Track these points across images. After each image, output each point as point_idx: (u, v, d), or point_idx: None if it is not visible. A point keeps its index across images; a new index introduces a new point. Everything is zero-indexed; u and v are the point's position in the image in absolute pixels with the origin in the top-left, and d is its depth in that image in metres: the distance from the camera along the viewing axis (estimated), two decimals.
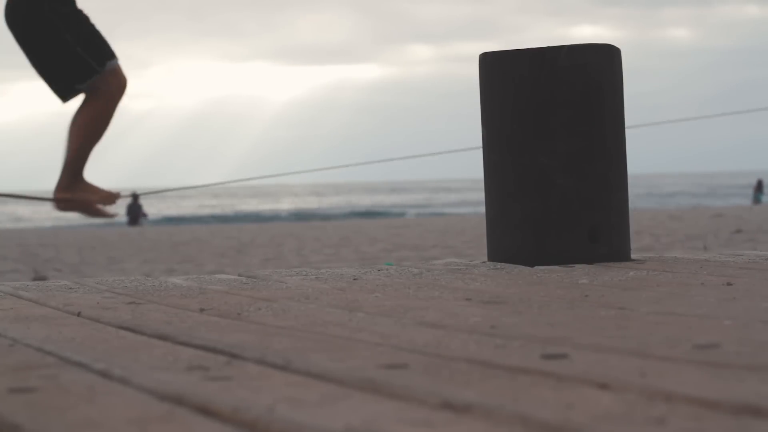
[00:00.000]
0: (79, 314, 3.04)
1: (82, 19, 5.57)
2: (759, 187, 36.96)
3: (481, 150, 4.46)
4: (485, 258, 4.48)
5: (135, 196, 33.54)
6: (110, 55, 5.62)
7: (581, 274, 3.77)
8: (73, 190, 5.78)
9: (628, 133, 4.41)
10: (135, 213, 33.37)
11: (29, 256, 15.36)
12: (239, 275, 4.15)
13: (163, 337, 2.50)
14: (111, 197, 5.90)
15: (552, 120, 4.25)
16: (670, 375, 1.81)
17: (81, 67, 5.58)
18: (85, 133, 5.66)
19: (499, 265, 4.22)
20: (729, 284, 3.31)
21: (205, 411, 1.63)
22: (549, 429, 1.45)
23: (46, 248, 16.83)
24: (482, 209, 4.72)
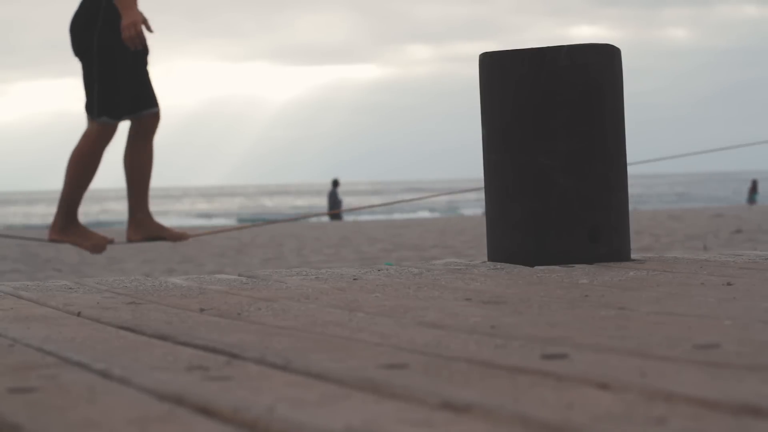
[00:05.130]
0: (79, 314, 3.04)
1: (121, 61, 5.70)
2: (754, 187, 36.94)
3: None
4: (485, 258, 4.48)
5: (335, 183, 30.65)
6: (113, 114, 5.78)
7: (581, 274, 3.77)
8: (67, 234, 6.00)
9: (627, 133, 4.41)
10: (335, 204, 29.69)
11: (29, 256, 15.36)
12: (239, 275, 4.15)
13: (163, 337, 2.50)
14: (101, 244, 6.07)
15: (552, 120, 4.24)
16: (670, 375, 1.81)
17: (88, 97, 5.76)
18: (70, 171, 5.88)
19: (499, 265, 4.22)
20: (729, 284, 3.31)
21: (205, 411, 1.63)
22: (549, 429, 1.45)
23: (46, 248, 16.82)
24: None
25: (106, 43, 5.68)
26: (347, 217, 30.99)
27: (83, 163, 5.83)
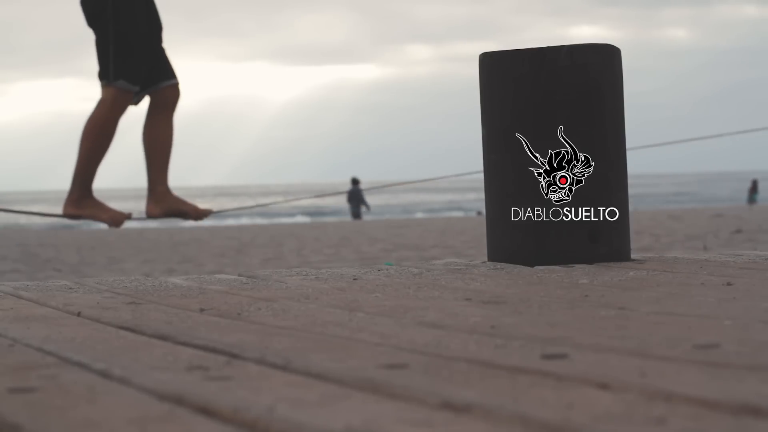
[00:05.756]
0: (79, 314, 3.04)
1: (136, 27, 5.57)
2: (754, 187, 36.89)
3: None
4: (485, 258, 4.48)
5: (355, 182, 30.75)
6: (130, 78, 5.60)
7: (581, 274, 3.77)
8: (82, 206, 5.76)
9: (627, 133, 4.41)
10: (357, 202, 29.87)
11: (29, 256, 15.36)
12: (239, 275, 4.15)
13: (163, 337, 2.50)
14: (119, 218, 5.84)
15: (552, 120, 4.24)
16: (670, 375, 1.81)
17: (102, 63, 5.60)
18: (84, 141, 5.65)
19: (499, 265, 4.22)
20: (729, 284, 3.31)
21: (205, 411, 1.63)
22: (549, 429, 1.45)
23: (46, 248, 16.83)
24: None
25: (121, 4, 5.55)
26: (367, 216, 31.19)
27: (98, 133, 5.62)
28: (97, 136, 5.64)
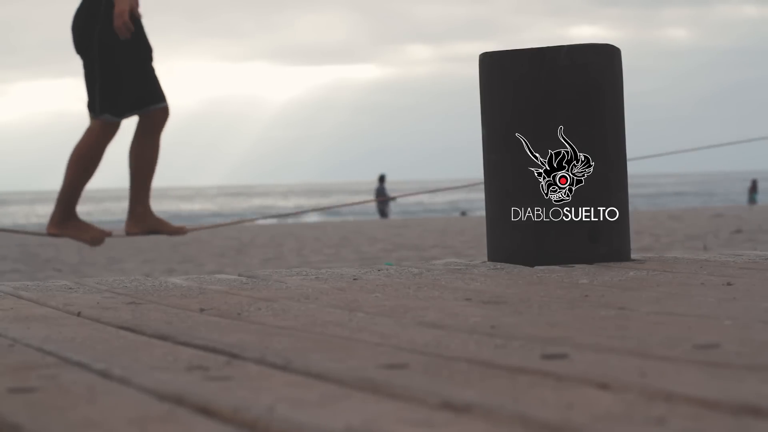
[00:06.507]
0: (79, 314, 3.04)
1: (121, 61, 5.73)
2: (754, 187, 36.89)
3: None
4: (485, 258, 4.48)
5: (382, 179, 30.75)
6: (114, 112, 5.77)
7: (581, 274, 3.77)
8: (65, 227, 6.02)
9: (627, 133, 4.41)
10: (383, 200, 29.47)
11: (29, 256, 15.35)
12: (239, 275, 4.15)
13: (163, 337, 2.50)
14: (100, 236, 6.09)
15: (552, 120, 4.24)
16: (670, 375, 1.81)
17: (90, 96, 5.77)
18: (71, 167, 5.90)
19: (499, 265, 4.22)
20: (729, 284, 3.31)
21: (205, 411, 1.63)
22: (549, 429, 1.45)
23: (46, 248, 16.82)
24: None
25: (107, 40, 5.68)
26: (393, 216, 31.19)
27: (84, 160, 5.84)
28: (83, 164, 5.89)
